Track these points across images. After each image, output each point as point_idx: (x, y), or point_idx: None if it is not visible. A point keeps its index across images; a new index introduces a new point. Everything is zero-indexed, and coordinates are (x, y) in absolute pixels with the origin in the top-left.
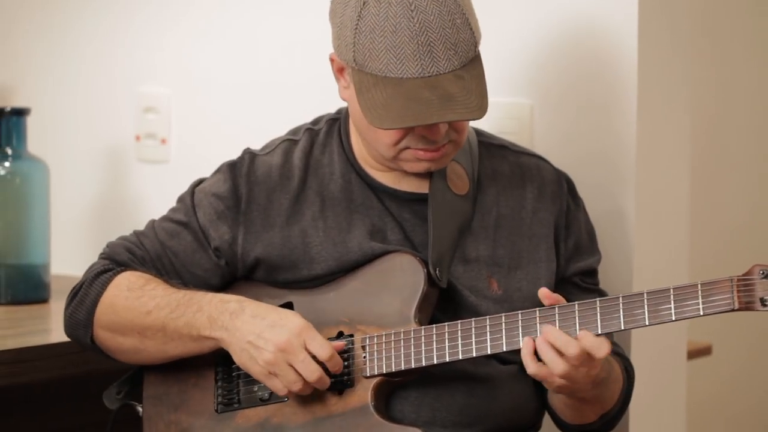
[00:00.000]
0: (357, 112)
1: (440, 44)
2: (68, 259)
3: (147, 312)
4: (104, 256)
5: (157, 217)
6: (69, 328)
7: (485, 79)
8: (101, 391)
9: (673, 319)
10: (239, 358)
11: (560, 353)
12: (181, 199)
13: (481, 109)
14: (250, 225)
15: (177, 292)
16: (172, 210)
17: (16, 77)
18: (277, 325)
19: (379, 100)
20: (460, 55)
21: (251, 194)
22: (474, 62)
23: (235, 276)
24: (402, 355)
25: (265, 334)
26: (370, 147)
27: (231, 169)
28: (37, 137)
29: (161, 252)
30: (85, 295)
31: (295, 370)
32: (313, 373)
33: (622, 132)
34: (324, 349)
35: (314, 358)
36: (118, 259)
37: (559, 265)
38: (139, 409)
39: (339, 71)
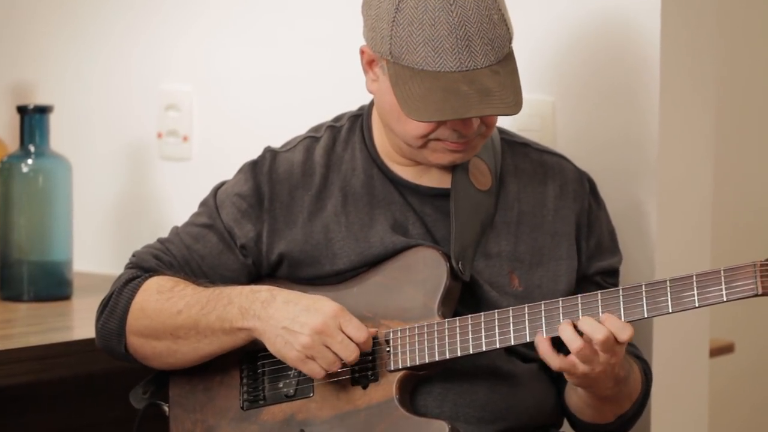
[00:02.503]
0: (385, 104)
1: (478, 39)
2: (91, 256)
3: (178, 312)
4: (131, 265)
5: (178, 214)
6: (102, 340)
7: (519, 76)
8: (124, 387)
9: (696, 305)
10: (273, 345)
11: (588, 339)
12: (203, 203)
13: (516, 105)
14: (273, 222)
15: (206, 289)
16: (195, 215)
17: (38, 75)
18: (312, 308)
19: (417, 93)
20: (497, 50)
21: (273, 192)
22: (508, 58)
23: (260, 274)
24: (426, 349)
25: (300, 318)
26: (396, 140)
27: (252, 168)
28: (59, 135)
29: (188, 256)
30: (116, 304)
31: (332, 352)
32: (352, 353)
33: (644, 128)
34: (360, 331)
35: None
36: (145, 266)
37: (581, 263)
38: (165, 408)
39: (368, 64)
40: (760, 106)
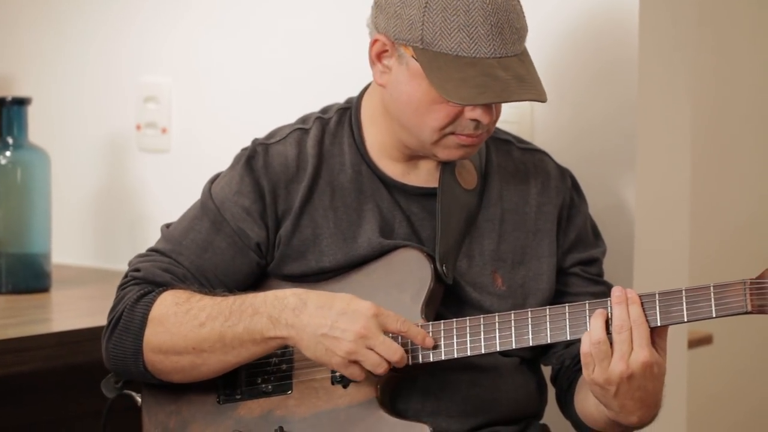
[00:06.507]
0: (402, 95)
1: (508, 27)
2: (69, 248)
3: (200, 324)
4: (138, 281)
5: (157, 205)
6: (114, 360)
7: None
8: (102, 380)
9: (685, 320)
10: (314, 352)
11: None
12: (201, 207)
13: (544, 93)
14: (275, 217)
15: (225, 299)
16: (194, 219)
17: (17, 67)
18: (348, 311)
19: (456, 78)
20: (522, 40)
21: (272, 186)
22: (526, 50)
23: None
24: (409, 351)
25: (340, 323)
26: (403, 134)
27: (248, 164)
28: (38, 127)
29: (201, 266)
30: (130, 321)
31: (376, 353)
32: (395, 352)
33: (623, 120)
34: (402, 324)
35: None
36: (158, 280)
37: (558, 257)
38: (138, 398)
39: (377, 56)
40: (738, 98)
